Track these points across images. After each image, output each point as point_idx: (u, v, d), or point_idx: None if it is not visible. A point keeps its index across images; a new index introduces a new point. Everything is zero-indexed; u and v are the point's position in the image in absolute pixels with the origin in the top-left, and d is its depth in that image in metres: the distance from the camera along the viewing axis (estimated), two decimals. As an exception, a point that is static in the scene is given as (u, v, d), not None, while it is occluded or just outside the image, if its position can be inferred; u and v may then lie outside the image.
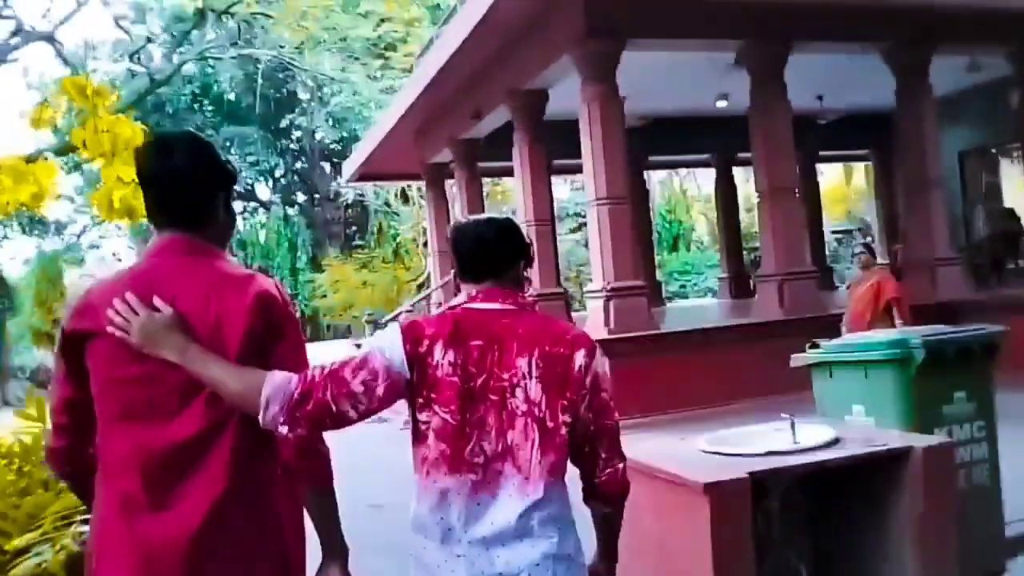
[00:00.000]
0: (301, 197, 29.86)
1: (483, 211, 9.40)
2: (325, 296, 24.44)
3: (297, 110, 28.42)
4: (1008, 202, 14.54)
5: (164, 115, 26.63)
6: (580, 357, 1.78)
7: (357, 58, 23.82)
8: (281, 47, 24.25)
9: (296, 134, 29.20)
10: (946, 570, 2.96)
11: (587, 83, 8.69)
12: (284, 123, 28.13)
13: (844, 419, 3.57)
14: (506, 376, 1.75)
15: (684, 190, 31.10)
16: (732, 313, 12.07)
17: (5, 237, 27.21)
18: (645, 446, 3.35)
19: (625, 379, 6.38)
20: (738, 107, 10.64)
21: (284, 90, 28.12)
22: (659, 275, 19.36)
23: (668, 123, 13.60)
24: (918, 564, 2.95)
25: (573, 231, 25.91)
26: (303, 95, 28.54)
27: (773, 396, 7.22)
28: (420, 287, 22.96)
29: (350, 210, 28.68)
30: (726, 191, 16.74)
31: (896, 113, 10.57)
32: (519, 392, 1.74)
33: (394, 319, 14.62)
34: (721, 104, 12.39)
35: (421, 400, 1.75)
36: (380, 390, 1.71)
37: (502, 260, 1.88)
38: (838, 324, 7.01)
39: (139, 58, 26.51)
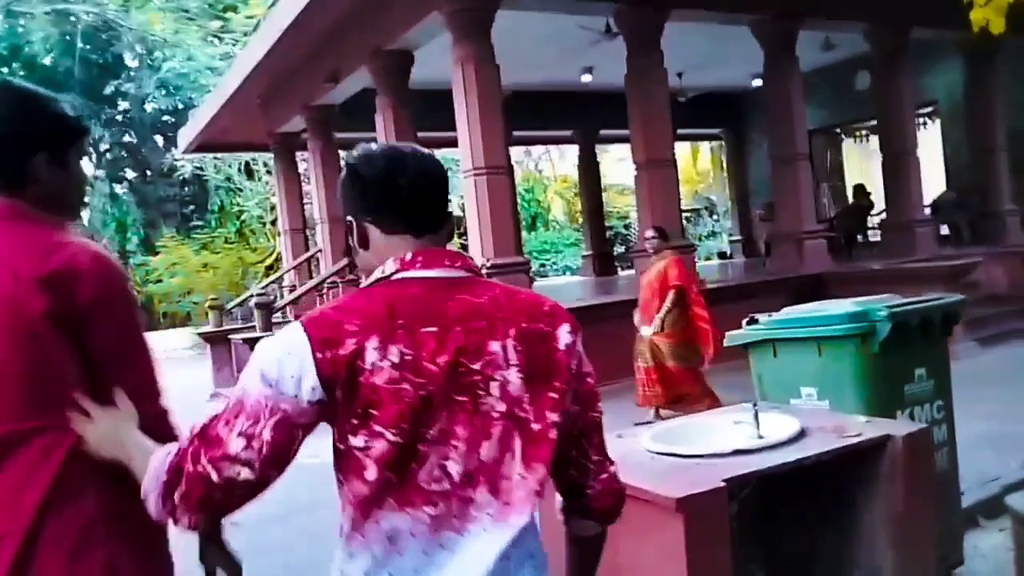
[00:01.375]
0: (130, 173, 26.98)
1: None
2: (161, 281, 22.33)
3: (124, 76, 25.60)
4: (850, 180, 15.30)
5: (-38, 78, 23.25)
6: (564, 334, 1.34)
7: (192, 19, 21.73)
8: (103, 3, 21.73)
9: (123, 103, 26.26)
10: (927, 573, 2.61)
11: (459, 43, 7.99)
12: (109, 90, 25.12)
13: (790, 403, 3.17)
14: (477, 366, 1.24)
15: (539, 170, 31.11)
16: (603, 290, 11.84)
17: None
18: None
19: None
20: (604, 83, 10.34)
21: (108, 53, 25.16)
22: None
23: (532, 97, 13.13)
24: (896, 568, 2.57)
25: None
26: (130, 60, 25.75)
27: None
28: (269, 269, 21.52)
29: (187, 187, 26.32)
30: (590, 168, 16.61)
31: (751, 92, 10.75)
32: (494, 387, 1.24)
33: (241, 304, 13.36)
34: (586, 79, 12.06)
35: (355, 421, 1.19)
36: (291, 434, 1.20)
37: (445, 206, 1.36)
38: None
39: (-73, 11, 22.99)
